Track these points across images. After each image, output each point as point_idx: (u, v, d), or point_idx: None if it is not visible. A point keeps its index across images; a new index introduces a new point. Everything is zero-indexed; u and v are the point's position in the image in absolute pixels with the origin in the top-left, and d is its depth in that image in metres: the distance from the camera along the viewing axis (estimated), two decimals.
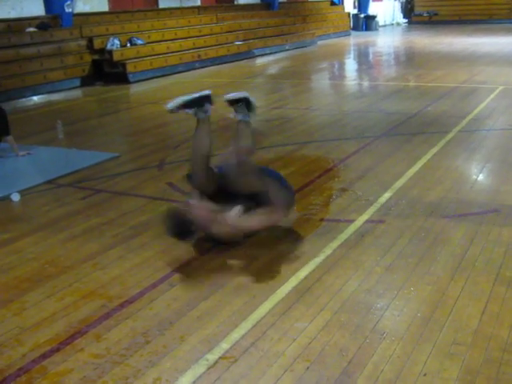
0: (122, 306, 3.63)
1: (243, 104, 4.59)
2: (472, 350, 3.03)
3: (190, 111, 4.50)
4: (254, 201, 4.31)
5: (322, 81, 14.10)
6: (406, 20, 32.86)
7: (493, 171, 6.04)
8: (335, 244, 4.35)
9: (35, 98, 12.44)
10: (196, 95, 4.53)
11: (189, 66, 15.67)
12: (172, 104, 4.50)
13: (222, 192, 4.41)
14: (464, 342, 3.10)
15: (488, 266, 3.93)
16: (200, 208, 4.26)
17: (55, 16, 14.11)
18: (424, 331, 3.21)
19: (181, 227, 4.24)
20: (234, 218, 4.21)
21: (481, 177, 5.88)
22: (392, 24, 32.37)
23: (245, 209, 4.27)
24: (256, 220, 4.32)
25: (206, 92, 4.61)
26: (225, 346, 3.16)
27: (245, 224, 4.28)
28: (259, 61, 17.82)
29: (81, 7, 15.17)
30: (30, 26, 13.51)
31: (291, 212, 4.72)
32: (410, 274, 3.86)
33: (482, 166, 6.19)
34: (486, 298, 3.52)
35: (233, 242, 4.39)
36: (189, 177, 4.66)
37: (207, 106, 4.54)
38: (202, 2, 19.55)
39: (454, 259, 4.04)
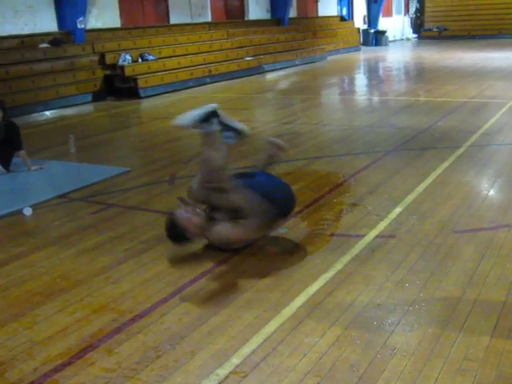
0: (133, 320, 3.65)
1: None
2: (484, 366, 3.01)
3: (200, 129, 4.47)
4: (234, 214, 4.42)
5: (332, 96, 14.14)
6: (415, 35, 32.96)
7: (504, 186, 6.02)
8: (346, 259, 4.35)
9: (48, 113, 12.56)
10: (202, 113, 4.44)
11: (199, 82, 15.79)
12: (180, 121, 4.48)
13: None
14: (476, 357, 3.08)
15: (500, 281, 3.92)
16: (188, 216, 4.41)
17: (68, 32, 14.31)
18: (435, 347, 3.20)
19: (175, 233, 4.47)
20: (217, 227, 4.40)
21: (492, 192, 5.86)
22: (402, 39, 32.48)
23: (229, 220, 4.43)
24: (233, 233, 4.41)
25: (212, 107, 4.53)
26: (235, 361, 3.16)
27: (224, 235, 4.43)
28: (269, 76, 17.90)
29: (93, 23, 15.35)
30: (42, 41, 13.69)
31: (274, 227, 4.72)
32: (421, 289, 3.85)
33: (493, 180, 6.18)
34: (498, 313, 3.51)
35: (233, 249, 4.51)
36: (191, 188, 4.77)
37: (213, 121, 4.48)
38: (212, 18, 19.72)
39: (465, 274, 4.02)
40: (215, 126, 4.45)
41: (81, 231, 5.24)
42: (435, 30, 31.56)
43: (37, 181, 6.97)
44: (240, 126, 4.57)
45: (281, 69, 19.07)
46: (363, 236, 4.76)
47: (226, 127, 4.50)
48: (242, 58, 17.91)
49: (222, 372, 3.07)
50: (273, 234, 4.76)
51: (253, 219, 4.37)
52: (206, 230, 4.44)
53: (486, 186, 6.07)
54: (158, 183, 6.67)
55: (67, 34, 14.30)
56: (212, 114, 4.47)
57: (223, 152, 4.46)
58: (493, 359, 3.06)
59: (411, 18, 33.62)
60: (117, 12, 16.17)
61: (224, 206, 4.47)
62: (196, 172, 4.94)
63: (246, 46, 18.70)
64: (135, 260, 4.54)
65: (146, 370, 3.12)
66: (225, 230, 4.41)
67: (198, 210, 4.49)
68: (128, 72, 14.25)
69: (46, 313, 3.79)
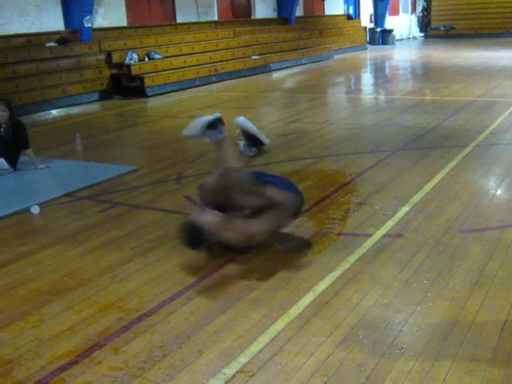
0: (139, 319, 3.65)
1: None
2: (492, 367, 2.99)
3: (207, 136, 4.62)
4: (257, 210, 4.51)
5: (338, 95, 14.11)
6: (422, 34, 32.89)
7: (511, 185, 5.99)
8: (353, 258, 4.34)
9: (54, 112, 12.59)
10: (208, 120, 4.60)
11: (206, 80, 15.80)
12: (188, 132, 4.65)
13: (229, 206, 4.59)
14: (483, 358, 3.07)
15: (507, 281, 3.90)
16: (208, 216, 4.37)
17: (74, 31, 14.33)
18: (443, 347, 3.18)
19: (194, 237, 4.32)
20: (241, 223, 4.42)
21: (499, 191, 5.83)
22: (408, 38, 32.41)
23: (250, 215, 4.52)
24: (262, 223, 4.44)
25: (216, 115, 4.68)
26: (242, 360, 3.16)
27: (253, 228, 4.42)
28: (276, 75, 17.89)
29: (100, 22, 15.37)
30: (49, 40, 13.72)
31: (298, 213, 4.79)
32: (429, 288, 3.83)
33: (501, 180, 6.15)
34: (506, 313, 3.49)
35: (246, 248, 4.48)
36: (201, 187, 4.80)
37: (221, 128, 4.63)
38: (219, 17, 19.72)
39: (472, 274, 4.01)
40: (222, 134, 4.60)
41: (87, 230, 5.25)
42: (442, 28, 31.47)
43: (44, 179, 6.99)
44: (262, 136, 4.79)
45: (287, 68, 19.06)
46: (370, 235, 4.74)
47: (249, 137, 4.79)
48: (248, 57, 17.90)
49: (229, 371, 3.06)
50: (280, 232, 4.75)
51: (281, 208, 4.47)
52: (223, 229, 4.40)
53: (494, 185, 6.04)
54: (164, 182, 6.67)
55: (74, 33, 14.33)
56: (218, 122, 4.61)
57: (235, 155, 4.65)
58: (501, 359, 3.05)
59: (418, 17, 33.54)
60: (123, 11, 16.20)
61: (251, 204, 4.55)
62: (207, 173, 5.02)
63: (252, 45, 18.70)
64: (142, 259, 4.54)
65: (153, 369, 3.12)
66: (252, 223, 4.44)
67: (212, 211, 4.46)
68: (135, 71, 14.27)
69: (52, 311, 3.79)
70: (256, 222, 4.44)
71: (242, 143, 4.83)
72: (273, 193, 4.51)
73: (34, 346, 3.40)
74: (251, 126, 4.85)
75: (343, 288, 3.90)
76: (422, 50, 25.88)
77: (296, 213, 4.74)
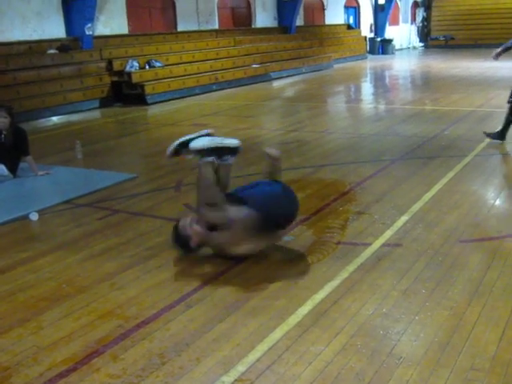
0: (138, 326, 3.64)
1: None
2: (490, 377, 2.99)
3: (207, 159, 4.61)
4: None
5: (338, 104, 14.15)
6: (422, 44, 33.04)
7: (510, 195, 6.00)
8: (352, 267, 4.34)
9: (55, 119, 12.62)
10: (222, 142, 4.60)
11: (206, 89, 15.84)
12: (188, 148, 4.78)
13: None
14: (482, 367, 3.07)
15: (506, 291, 3.90)
16: (190, 227, 4.50)
17: (76, 38, 14.39)
18: (441, 356, 3.18)
19: (180, 241, 4.58)
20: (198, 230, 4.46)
21: (498, 201, 5.85)
22: (408, 48, 32.53)
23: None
24: (219, 237, 4.46)
25: (234, 143, 4.64)
26: (241, 368, 3.15)
27: (211, 240, 4.50)
28: (276, 84, 17.94)
29: (101, 30, 15.43)
30: (50, 47, 13.76)
31: (275, 237, 4.69)
32: (427, 298, 3.84)
33: (500, 190, 6.16)
34: (504, 323, 3.49)
35: (240, 258, 4.49)
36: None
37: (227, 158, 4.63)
38: (219, 26, 19.79)
39: (471, 284, 4.01)
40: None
41: (87, 237, 5.25)
42: (442, 38, 31.62)
43: (43, 186, 7.00)
44: (230, 142, 4.66)
45: (287, 76, 19.11)
46: (369, 244, 4.75)
47: (220, 150, 4.60)
48: (248, 66, 17.96)
49: (228, 379, 3.06)
50: (278, 242, 4.76)
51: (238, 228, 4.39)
52: (208, 238, 4.48)
53: (493, 195, 6.05)
54: (164, 189, 6.68)
55: (75, 41, 14.38)
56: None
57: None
58: (499, 369, 3.05)
59: (418, 27, 33.69)
60: (124, 19, 16.26)
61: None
62: None
63: (252, 54, 18.76)
64: (141, 266, 4.54)
65: (151, 377, 3.12)
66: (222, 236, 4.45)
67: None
68: (135, 78, 14.31)
69: (51, 318, 3.79)
70: (216, 235, 4.45)
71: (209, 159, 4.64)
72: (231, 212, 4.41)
73: (32, 352, 3.40)
74: (210, 143, 4.64)
75: (342, 297, 3.90)
76: (421, 59, 25.98)
77: (282, 225, 4.66)
